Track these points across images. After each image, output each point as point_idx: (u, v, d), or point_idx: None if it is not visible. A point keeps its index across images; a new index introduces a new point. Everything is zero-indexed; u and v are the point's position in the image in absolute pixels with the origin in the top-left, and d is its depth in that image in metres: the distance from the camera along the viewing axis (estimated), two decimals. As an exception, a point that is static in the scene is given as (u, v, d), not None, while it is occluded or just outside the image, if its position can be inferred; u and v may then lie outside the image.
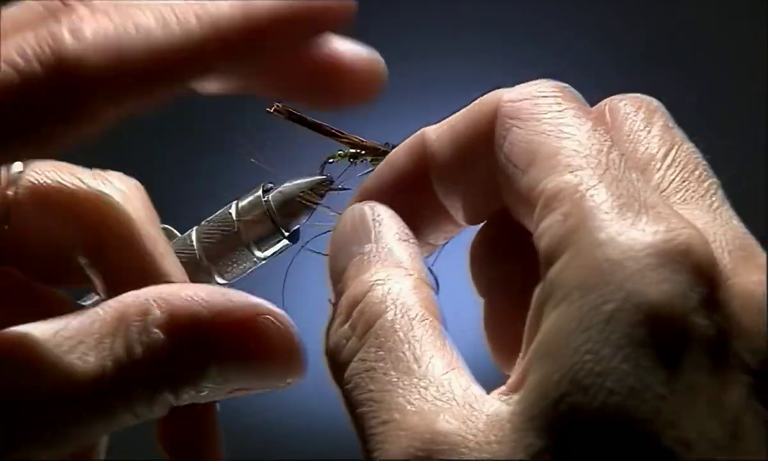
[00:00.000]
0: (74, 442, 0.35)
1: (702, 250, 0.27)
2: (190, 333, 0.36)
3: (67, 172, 0.40)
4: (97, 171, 0.41)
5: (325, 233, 0.39)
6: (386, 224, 0.35)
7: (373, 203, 0.36)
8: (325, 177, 0.43)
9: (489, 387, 0.30)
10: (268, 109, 0.41)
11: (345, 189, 0.43)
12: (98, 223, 0.40)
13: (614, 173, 0.29)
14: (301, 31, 0.34)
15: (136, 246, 0.40)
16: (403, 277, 0.33)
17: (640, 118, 0.34)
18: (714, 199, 0.31)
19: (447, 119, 0.35)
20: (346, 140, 0.42)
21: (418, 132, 0.36)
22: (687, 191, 0.31)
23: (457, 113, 0.35)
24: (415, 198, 0.36)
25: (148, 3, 0.33)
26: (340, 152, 0.43)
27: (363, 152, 0.42)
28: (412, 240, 0.35)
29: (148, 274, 0.39)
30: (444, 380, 0.29)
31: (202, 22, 0.33)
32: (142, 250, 0.40)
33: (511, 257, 0.35)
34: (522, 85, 0.33)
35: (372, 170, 0.40)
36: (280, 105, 0.41)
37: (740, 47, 1.14)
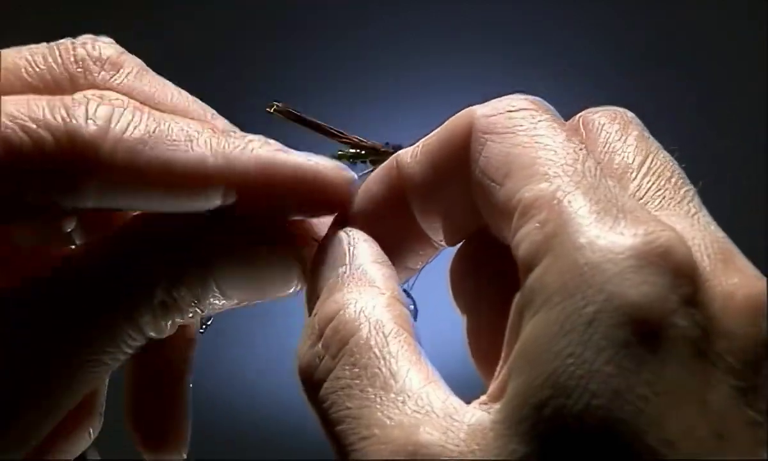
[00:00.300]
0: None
1: (682, 251, 0.27)
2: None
3: None
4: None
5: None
6: (361, 247, 0.35)
7: (349, 229, 0.36)
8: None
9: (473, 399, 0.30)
10: (268, 109, 0.41)
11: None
12: None
13: (590, 180, 0.29)
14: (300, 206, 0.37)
15: None
16: (377, 295, 0.33)
17: (615, 128, 0.34)
18: (691, 205, 0.31)
19: (420, 141, 0.36)
20: (346, 140, 0.42)
21: (391, 158, 0.36)
22: (663, 198, 0.31)
23: (431, 134, 0.35)
24: (393, 223, 0.36)
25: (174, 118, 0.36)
26: (340, 152, 0.43)
27: (363, 152, 0.42)
28: (386, 263, 0.35)
29: None
30: (422, 393, 0.29)
31: (215, 153, 0.35)
32: None
33: (491, 272, 0.35)
34: (495, 100, 0.33)
35: (372, 170, 0.40)
36: (280, 105, 0.41)
37: (740, 47, 1.14)
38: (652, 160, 0.32)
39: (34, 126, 0.34)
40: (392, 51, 1.13)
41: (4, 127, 0.33)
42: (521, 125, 0.32)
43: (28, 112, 0.34)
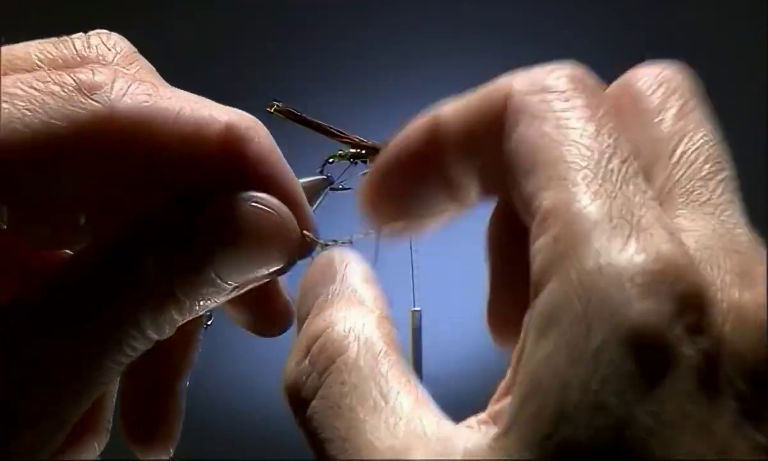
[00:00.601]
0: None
1: (690, 276, 0.27)
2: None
3: None
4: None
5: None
6: (352, 267, 0.35)
7: (341, 249, 0.36)
8: (325, 177, 0.43)
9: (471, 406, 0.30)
10: (268, 108, 0.41)
11: (345, 189, 0.43)
12: None
13: (609, 188, 0.28)
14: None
15: None
16: (366, 313, 0.32)
17: (656, 102, 0.33)
18: (719, 201, 0.30)
19: (462, 99, 0.35)
20: (346, 140, 0.42)
21: (432, 113, 0.36)
22: (691, 192, 0.30)
23: (472, 94, 0.34)
24: (426, 173, 0.35)
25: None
26: (340, 152, 0.43)
27: (363, 151, 0.42)
28: (376, 284, 0.35)
29: None
30: (414, 415, 0.29)
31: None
32: None
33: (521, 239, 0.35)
34: (534, 72, 0.33)
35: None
36: (280, 105, 0.41)
37: (740, 47, 1.14)
38: (687, 144, 0.32)
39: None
40: (392, 51, 1.13)
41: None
42: (553, 110, 0.31)
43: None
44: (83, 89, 0.35)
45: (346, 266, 0.35)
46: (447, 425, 0.29)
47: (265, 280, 0.38)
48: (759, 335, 0.27)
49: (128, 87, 0.36)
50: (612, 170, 0.29)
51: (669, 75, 0.33)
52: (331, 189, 0.43)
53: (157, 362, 0.41)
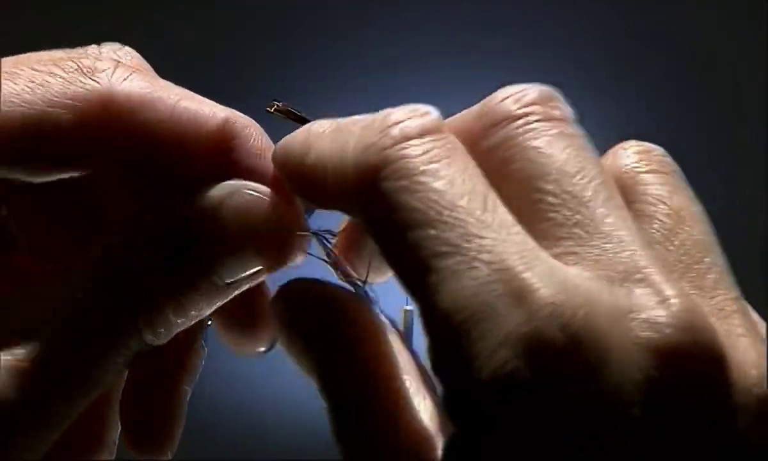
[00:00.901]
0: None
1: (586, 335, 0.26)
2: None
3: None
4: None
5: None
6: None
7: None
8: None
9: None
10: (268, 108, 0.41)
11: None
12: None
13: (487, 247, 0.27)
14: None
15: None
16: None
17: (644, 181, 0.31)
18: (597, 221, 0.28)
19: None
20: (346, 140, 0.42)
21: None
22: (564, 224, 0.28)
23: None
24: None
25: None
26: (340, 152, 0.42)
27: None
28: None
29: None
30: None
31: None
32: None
33: None
34: (401, 134, 0.30)
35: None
36: (280, 105, 0.41)
37: (740, 47, 1.14)
38: (547, 168, 0.29)
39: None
40: (392, 51, 1.13)
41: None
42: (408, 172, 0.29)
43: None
44: (84, 71, 0.35)
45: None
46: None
47: (260, 278, 0.38)
48: (647, 361, 0.26)
49: (129, 74, 0.36)
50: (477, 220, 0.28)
51: (656, 159, 0.32)
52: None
53: (160, 366, 0.41)
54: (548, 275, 0.26)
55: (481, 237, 0.27)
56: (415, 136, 0.29)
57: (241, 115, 0.38)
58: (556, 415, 0.25)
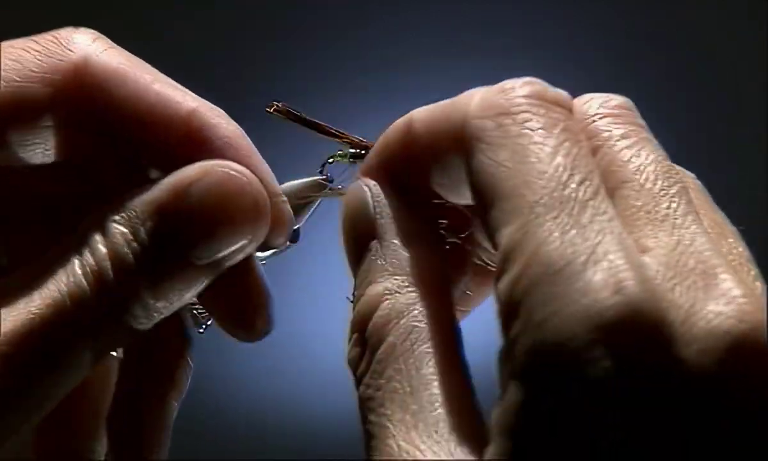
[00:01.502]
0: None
1: (648, 311, 0.26)
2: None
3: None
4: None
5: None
6: (387, 216, 0.35)
7: (372, 185, 0.36)
8: (325, 177, 0.43)
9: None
10: (267, 108, 0.41)
11: (345, 189, 0.43)
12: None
13: (564, 220, 0.28)
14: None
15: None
16: (409, 288, 0.32)
17: (603, 124, 0.32)
18: (676, 215, 0.30)
19: (431, 108, 0.35)
20: (346, 140, 0.42)
21: (408, 114, 0.35)
22: (649, 211, 0.30)
23: (438, 106, 0.34)
24: (411, 177, 0.36)
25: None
26: (340, 152, 0.43)
27: (363, 151, 0.42)
28: (416, 234, 0.34)
29: None
30: (434, 418, 0.29)
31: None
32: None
33: None
34: (491, 91, 0.32)
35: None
36: (279, 105, 0.41)
37: (740, 47, 1.14)
38: (637, 163, 0.31)
39: None
40: (392, 51, 1.13)
41: None
42: (509, 136, 0.30)
43: None
44: (61, 41, 0.36)
45: (381, 214, 0.35)
46: (461, 433, 0.29)
47: (242, 255, 0.37)
48: (724, 355, 0.27)
49: (106, 49, 0.36)
50: (568, 197, 0.29)
51: (613, 102, 0.33)
52: (331, 189, 0.43)
53: (146, 381, 0.40)
54: (634, 258, 0.27)
55: (583, 208, 0.28)
56: (541, 98, 0.31)
57: (212, 106, 0.38)
58: (636, 397, 0.26)
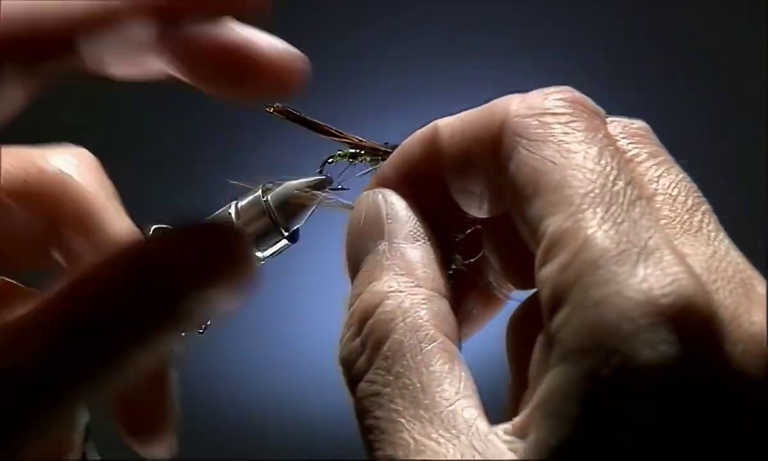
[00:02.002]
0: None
1: (701, 302, 0.27)
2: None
3: (14, 155, 0.39)
4: (44, 148, 0.41)
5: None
6: (399, 219, 0.35)
7: (387, 192, 0.36)
8: (324, 177, 0.43)
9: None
10: (267, 109, 0.41)
11: (345, 189, 0.43)
12: (55, 204, 0.39)
13: (616, 211, 0.28)
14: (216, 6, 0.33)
15: (94, 226, 0.39)
16: (414, 289, 0.32)
17: (631, 144, 0.33)
18: (710, 230, 0.30)
19: (460, 115, 0.35)
20: (346, 140, 0.42)
21: (431, 124, 0.36)
22: (682, 223, 0.31)
23: (469, 112, 0.34)
24: (429, 188, 0.35)
25: None
26: (340, 152, 0.42)
27: (363, 152, 0.42)
28: (425, 240, 0.34)
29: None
30: (449, 412, 0.29)
31: None
32: (101, 229, 0.39)
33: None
34: (532, 95, 0.33)
35: (372, 170, 0.40)
36: (279, 105, 0.41)
37: (740, 47, 1.14)
38: (666, 180, 0.32)
39: None
40: (392, 51, 1.13)
41: None
42: (553, 134, 0.31)
43: None
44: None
45: (393, 218, 0.35)
46: (481, 425, 0.29)
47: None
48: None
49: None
50: (617, 193, 0.29)
51: (637, 126, 0.34)
52: (331, 189, 0.43)
53: None
54: (682, 256, 0.28)
55: (627, 204, 0.29)
56: (583, 105, 0.32)
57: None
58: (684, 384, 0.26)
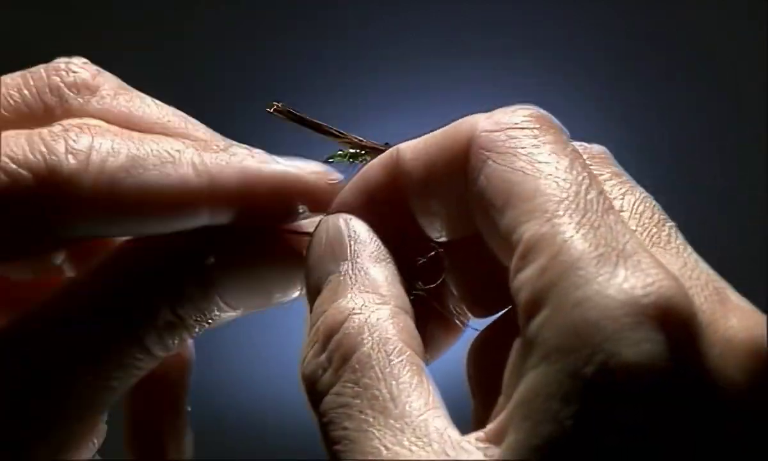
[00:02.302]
0: None
1: (682, 303, 0.27)
2: None
3: None
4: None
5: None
6: (362, 241, 0.35)
7: (348, 216, 0.36)
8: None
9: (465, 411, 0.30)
10: (268, 109, 0.41)
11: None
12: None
13: (591, 218, 0.29)
14: (287, 209, 0.37)
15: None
16: (380, 305, 0.32)
17: (591, 167, 0.33)
18: (679, 243, 0.31)
19: (422, 138, 0.35)
20: (346, 140, 0.42)
21: (393, 148, 0.36)
22: (651, 237, 0.31)
23: (432, 134, 0.35)
24: (390, 213, 0.36)
25: (158, 137, 0.36)
26: (340, 152, 0.43)
27: (363, 152, 0.42)
28: (388, 261, 0.34)
29: None
30: (420, 422, 0.29)
31: (199, 172, 0.35)
32: None
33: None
34: (498, 112, 0.33)
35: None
36: (279, 105, 0.41)
37: (740, 47, 1.14)
38: (631, 198, 0.32)
39: (14, 166, 0.34)
40: (392, 51, 1.13)
41: None
42: (523, 147, 0.31)
43: (7, 152, 0.34)
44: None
45: (356, 239, 0.35)
46: (452, 434, 0.29)
47: (273, 306, 0.38)
48: (747, 362, 0.28)
49: (104, 165, 0.36)
50: (591, 201, 0.29)
51: (597, 149, 0.34)
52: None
53: (157, 387, 0.41)
54: (659, 262, 0.28)
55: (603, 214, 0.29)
56: (548, 121, 0.32)
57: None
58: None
